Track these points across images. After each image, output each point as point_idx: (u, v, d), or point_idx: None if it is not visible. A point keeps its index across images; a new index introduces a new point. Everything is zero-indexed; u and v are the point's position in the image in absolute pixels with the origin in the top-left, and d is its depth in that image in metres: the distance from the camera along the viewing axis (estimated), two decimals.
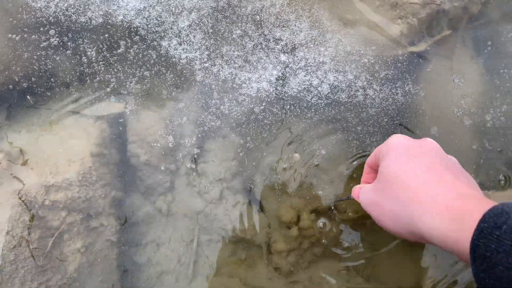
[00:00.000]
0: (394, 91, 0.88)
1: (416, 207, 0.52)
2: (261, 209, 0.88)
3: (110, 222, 0.92)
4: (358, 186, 0.72)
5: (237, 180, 0.90)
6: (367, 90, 0.88)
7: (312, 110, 0.88)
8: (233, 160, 0.90)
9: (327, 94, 0.88)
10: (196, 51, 0.91)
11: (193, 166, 0.89)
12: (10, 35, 0.91)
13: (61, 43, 0.92)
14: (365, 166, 0.73)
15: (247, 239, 0.87)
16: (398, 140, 0.62)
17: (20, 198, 0.88)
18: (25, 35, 0.91)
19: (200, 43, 0.91)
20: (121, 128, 0.91)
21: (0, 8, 0.92)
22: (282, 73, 0.89)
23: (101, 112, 0.93)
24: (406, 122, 0.87)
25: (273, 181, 0.88)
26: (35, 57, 0.91)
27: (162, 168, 0.90)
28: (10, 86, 0.90)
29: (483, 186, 0.82)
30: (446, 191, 0.51)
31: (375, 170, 0.69)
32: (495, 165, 0.85)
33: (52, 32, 0.92)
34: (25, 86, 0.91)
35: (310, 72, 0.89)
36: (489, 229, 0.41)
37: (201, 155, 0.91)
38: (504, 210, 0.42)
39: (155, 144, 0.89)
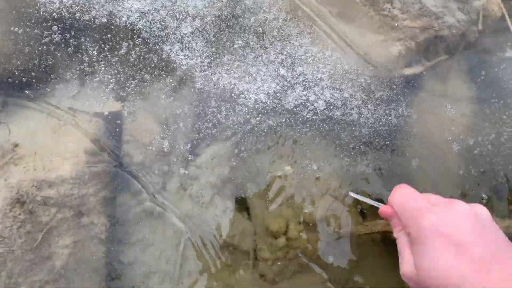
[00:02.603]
0: (387, 112, 0.91)
1: None
2: (250, 217, 0.90)
3: (100, 220, 0.93)
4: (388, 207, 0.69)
5: (228, 187, 0.92)
6: (362, 109, 0.90)
7: (307, 125, 0.90)
8: (226, 167, 0.92)
9: (323, 110, 0.90)
10: (197, 58, 0.92)
11: (186, 171, 0.90)
12: (12, 28, 0.91)
13: (63, 40, 0.92)
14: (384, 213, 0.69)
15: (234, 245, 0.89)
16: (430, 222, 0.55)
17: (11, 192, 0.88)
18: (28, 29, 0.92)
19: (201, 50, 0.92)
20: (117, 127, 0.92)
21: (5, 0, 0.92)
22: (280, 87, 0.91)
23: (98, 110, 0.94)
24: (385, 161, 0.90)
25: (264, 191, 0.89)
26: (36, 52, 0.92)
27: (155, 170, 0.91)
28: (10, 79, 0.91)
29: None
30: None
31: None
32: (479, 188, 0.88)
33: (55, 28, 0.92)
34: (24, 80, 0.91)
35: (307, 88, 0.91)
36: None
37: (194, 160, 0.92)
38: None
39: (150, 147, 0.90)
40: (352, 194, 0.82)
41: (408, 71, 0.94)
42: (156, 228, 0.94)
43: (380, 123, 0.90)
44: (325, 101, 0.90)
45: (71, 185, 0.91)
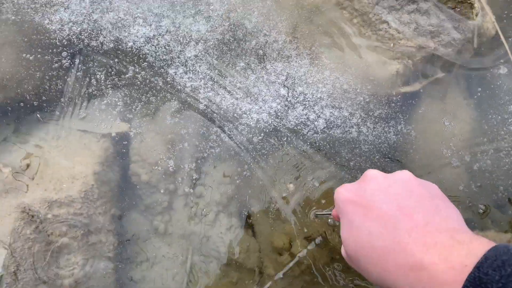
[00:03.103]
0: (386, 129, 0.93)
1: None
2: (254, 234, 0.92)
3: (108, 238, 0.96)
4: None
5: (232, 205, 0.94)
6: (361, 127, 0.93)
7: (308, 143, 0.92)
8: (230, 185, 0.94)
9: (323, 128, 0.93)
10: (201, 80, 0.95)
11: (191, 190, 0.93)
12: (24, 55, 0.96)
13: (72, 65, 0.96)
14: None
15: (239, 262, 0.91)
16: (341, 195, 0.58)
17: (23, 212, 0.91)
18: (39, 56, 0.96)
19: (205, 73, 0.96)
20: (124, 148, 0.95)
21: (16, 28, 0.97)
22: (281, 106, 0.94)
23: (105, 131, 0.97)
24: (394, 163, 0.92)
25: (267, 208, 0.91)
26: (47, 77, 0.96)
27: (161, 189, 0.94)
28: (21, 103, 0.95)
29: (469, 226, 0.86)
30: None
31: None
32: (479, 202, 0.89)
33: (64, 54, 0.96)
34: (35, 104, 0.95)
35: (307, 107, 0.94)
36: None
37: (199, 178, 0.94)
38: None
39: (156, 166, 0.93)
40: (317, 212, 0.86)
41: (406, 89, 0.97)
42: (162, 246, 0.96)
43: (379, 140, 0.92)
44: (325, 119, 0.93)
45: (80, 205, 0.94)
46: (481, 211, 0.88)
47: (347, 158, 0.91)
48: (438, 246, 0.44)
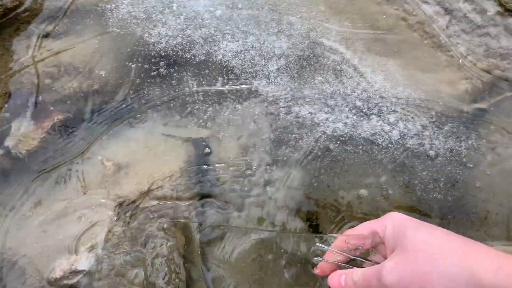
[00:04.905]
0: (458, 143, 0.98)
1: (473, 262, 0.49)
2: (320, 240, 0.98)
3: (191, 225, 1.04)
4: (338, 272, 0.68)
5: (303, 209, 1.01)
6: (433, 140, 0.98)
7: (382, 153, 0.99)
8: (303, 189, 1.01)
9: (397, 139, 0.99)
10: (282, 91, 1.05)
11: (265, 191, 1.01)
12: (127, 63, 1.08)
13: (168, 74, 1.08)
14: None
15: (308, 265, 0.96)
16: (402, 216, 0.61)
17: (120, 200, 1.02)
18: (139, 64, 1.09)
19: (285, 84, 1.05)
20: (205, 150, 1.05)
21: (120, 40, 1.11)
22: (356, 117, 1.01)
23: (189, 135, 1.08)
24: (466, 174, 0.96)
25: (337, 214, 0.97)
26: (145, 83, 1.08)
27: (237, 188, 1.02)
28: (123, 105, 1.07)
29: None
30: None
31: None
32: None
33: (162, 63, 1.09)
34: (131, 107, 1.07)
35: (382, 119, 1.01)
36: None
37: (273, 182, 1.02)
38: None
39: (232, 168, 1.01)
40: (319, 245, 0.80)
41: (476, 106, 1.02)
42: (235, 244, 1.03)
43: (451, 154, 0.97)
44: (399, 131, 0.99)
45: (169, 198, 1.04)
46: None
47: (420, 168, 0.97)
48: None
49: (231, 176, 1.03)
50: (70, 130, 1.07)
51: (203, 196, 1.03)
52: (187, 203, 1.02)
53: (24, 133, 1.09)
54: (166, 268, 0.96)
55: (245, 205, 1.02)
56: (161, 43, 1.10)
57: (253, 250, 0.95)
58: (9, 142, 1.09)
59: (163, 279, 0.94)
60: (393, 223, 0.61)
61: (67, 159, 1.04)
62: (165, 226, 1.00)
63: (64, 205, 1.01)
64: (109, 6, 1.13)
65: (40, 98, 1.10)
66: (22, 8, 1.13)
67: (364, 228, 0.67)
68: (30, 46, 1.12)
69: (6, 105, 1.10)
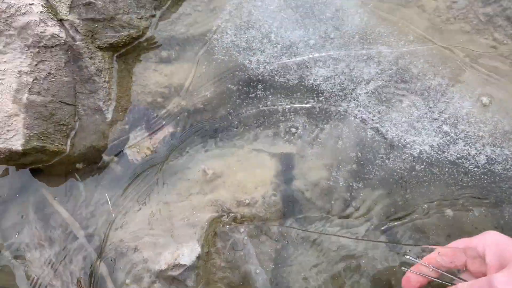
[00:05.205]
0: None
1: None
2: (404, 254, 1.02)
3: (275, 236, 1.15)
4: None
5: (385, 225, 1.06)
6: None
7: (469, 176, 1.02)
8: (386, 206, 1.07)
9: (484, 164, 1.02)
10: (370, 113, 1.13)
11: (348, 207, 1.08)
12: (229, 85, 1.24)
13: (264, 96, 1.22)
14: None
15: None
16: (503, 235, 0.65)
17: (217, 206, 1.15)
18: (240, 87, 1.23)
19: (373, 107, 1.13)
20: (290, 166, 1.15)
21: (224, 65, 1.27)
22: (443, 141, 1.06)
23: (275, 150, 1.19)
24: None
25: (422, 234, 1.02)
26: (244, 104, 1.22)
27: (319, 205, 1.10)
28: (224, 122, 1.22)
29: None
30: None
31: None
32: None
33: (259, 87, 1.22)
34: (230, 124, 1.21)
35: (469, 143, 1.04)
36: None
37: (355, 198, 1.09)
38: None
39: (317, 185, 1.10)
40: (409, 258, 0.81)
41: None
42: (317, 253, 1.11)
43: None
44: (486, 156, 1.02)
45: (261, 207, 1.15)
46: None
47: (508, 193, 0.99)
48: None
49: (316, 194, 1.12)
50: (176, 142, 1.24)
51: (286, 209, 1.14)
52: (274, 216, 1.13)
53: (140, 142, 1.28)
54: None
55: (328, 220, 1.11)
56: (259, 68, 1.24)
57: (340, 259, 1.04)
58: (127, 150, 1.29)
59: None
60: (496, 241, 0.65)
61: (178, 170, 1.21)
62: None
63: (170, 208, 1.17)
64: (215, 36, 1.30)
65: (154, 113, 1.29)
66: (144, 38, 1.35)
67: (459, 244, 0.71)
68: (148, 69, 1.32)
69: (126, 118, 1.31)
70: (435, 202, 1.02)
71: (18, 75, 1.10)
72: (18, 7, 1.10)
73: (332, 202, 1.09)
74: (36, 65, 1.14)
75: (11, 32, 1.09)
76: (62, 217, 1.22)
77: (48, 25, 1.15)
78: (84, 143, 1.25)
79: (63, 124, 1.22)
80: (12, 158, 1.12)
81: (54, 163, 1.25)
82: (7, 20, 1.08)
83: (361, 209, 1.09)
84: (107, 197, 1.19)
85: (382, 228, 1.06)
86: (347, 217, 1.10)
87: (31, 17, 1.12)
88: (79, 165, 1.25)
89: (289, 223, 1.13)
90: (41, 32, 1.14)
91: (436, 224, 1.01)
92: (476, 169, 1.03)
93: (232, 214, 1.14)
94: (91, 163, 1.25)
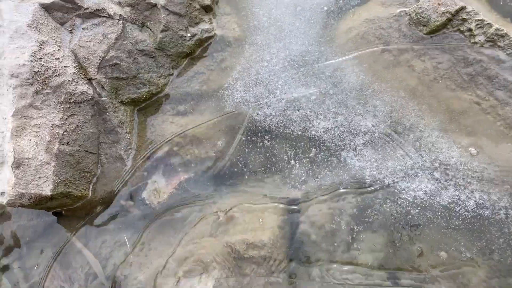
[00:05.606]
0: None
1: None
2: None
3: (282, 276, 1.22)
4: None
5: (384, 267, 1.14)
6: (509, 210, 1.09)
7: (460, 219, 1.11)
8: (384, 251, 1.15)
9: (473, 208, 1.11)
10: (367, 162, 1.24)
11: (348, 251, 1.16)
12: (239, 136, 1.37)
13: (270, 145, 1.34)
14: None
15: None
16: None
17: (229, 247, 1.24)
18: (249, 137, 1.36)
19: (370, 156, 1.25)
20: (296, 210, 1.25)
21: (235, 118, 1.40)
22: (435, 187, 1.16)
23: (283, 195, 1.29)
24: None
25: (418, 273, 1.09)
26: (252, 152, 1.34)
27: (324, 247, 1.19)
28: (234, 168, 1.33)
29: None
30: None
31: None
32: None
33: (266, 137, 1.35)
34: (239, 170, 1.33)
35: (458, 189, 1.14)
36: None
37: (356, 240, 1.18)
38: None
39: (322, 229, 1.19)
40: None
41: None
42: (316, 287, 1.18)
43: None
44: (475, 201, 1.12)
45: (269, 249, 1.24)
46: None
47: (496, 235, 1.07)
48: None
49: (321, 237, 1.21)
50: (189, 188, 1.35)
51: (292, 251, 1.22)
52: (279, 257, 1.21)
53: (157, 188, 1.40)
54: None
55: (333, 261, 1.18)
56: (266, 121, 1.37)
57: None
58: (145, 194, 1.39)
59: None
60: None
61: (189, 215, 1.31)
62: None
63: (188, 249, 1.26)
64: (226, 92, 1.45)
65: (170, 161, 1.41)
66: (162, 94, 1.50)
67: None
68: (165, 121, 1.46)
69: (144, 166, 1.42)
70: (427, 247, 1.11)
71: (51, 128, 1.23)
72: (55, 69, 1.25)
73: (335, 244, 1.17)
74: (66, 118, 1.28)
75: (47, 91, 1.24)
76: (84, 257, 1.31)
77: (79, 84, 1.30)
78: (105, 189, 1.37)
79: (87, 171, 1.34)
80: (41, 203, 1.23)
81: (76, 207, 1.36)
82: (45, 81, 1.23)
83: (363, 254, 1.17)
84: (125, 238, 1.28)
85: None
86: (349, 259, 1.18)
87: (65, 77, 1.27)
88: (99, 208, 1.36)
89: (291, 264, 1.21)
90: (73, 90, 1.29)
91: (432, 265, 1.08)
92: (466, 213, 1.12)
93: (241, 257, 1.22)
94: (110, 206, 1.35)
